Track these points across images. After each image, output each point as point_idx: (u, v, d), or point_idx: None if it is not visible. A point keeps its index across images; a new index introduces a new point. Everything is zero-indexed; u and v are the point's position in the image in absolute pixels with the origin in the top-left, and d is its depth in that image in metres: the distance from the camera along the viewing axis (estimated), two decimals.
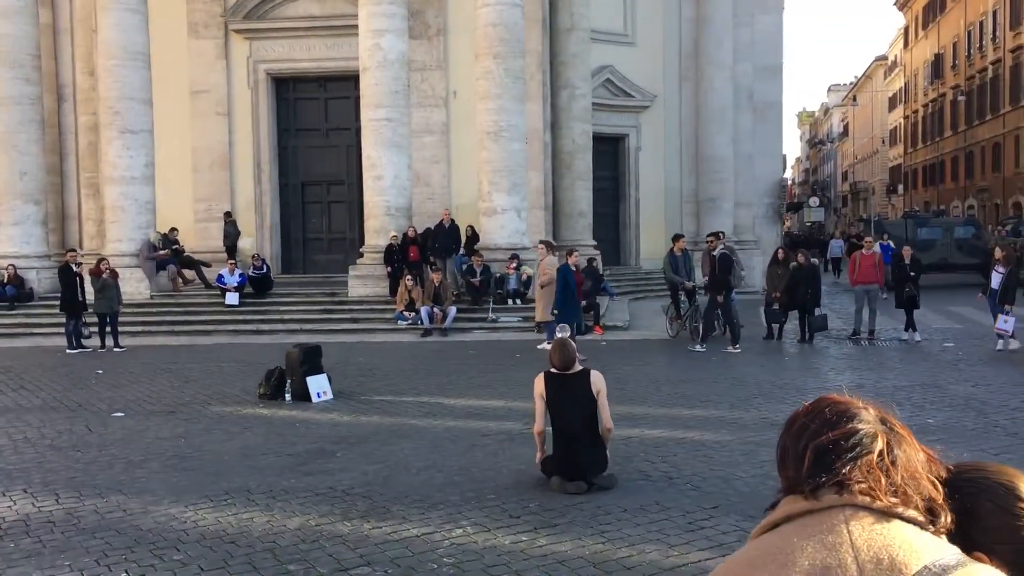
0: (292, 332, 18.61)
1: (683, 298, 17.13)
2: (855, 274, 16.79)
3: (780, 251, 17.32)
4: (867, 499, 1.37)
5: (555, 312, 14.81)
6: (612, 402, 10.58)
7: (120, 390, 12.28)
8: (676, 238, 17.55)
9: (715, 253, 15.84)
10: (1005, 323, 14.57)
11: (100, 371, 14.12)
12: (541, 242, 17.42)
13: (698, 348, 15.34)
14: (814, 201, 42.26)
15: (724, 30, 27.18)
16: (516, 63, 20.11)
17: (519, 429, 9.29)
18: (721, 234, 16.87)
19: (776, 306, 16.50)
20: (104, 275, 17.00)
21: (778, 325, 16.50)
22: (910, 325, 16.20)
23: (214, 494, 7.21)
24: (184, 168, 24.28)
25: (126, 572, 5.59)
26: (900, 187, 70.05)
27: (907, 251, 16.89)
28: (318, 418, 10.15)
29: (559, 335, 7.90)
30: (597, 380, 7.25)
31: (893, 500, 1.37)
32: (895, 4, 68.58)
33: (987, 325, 18.10)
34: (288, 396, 11.01)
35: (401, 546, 5.95)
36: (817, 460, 1.41)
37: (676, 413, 10.02)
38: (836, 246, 36.78)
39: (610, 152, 27.50)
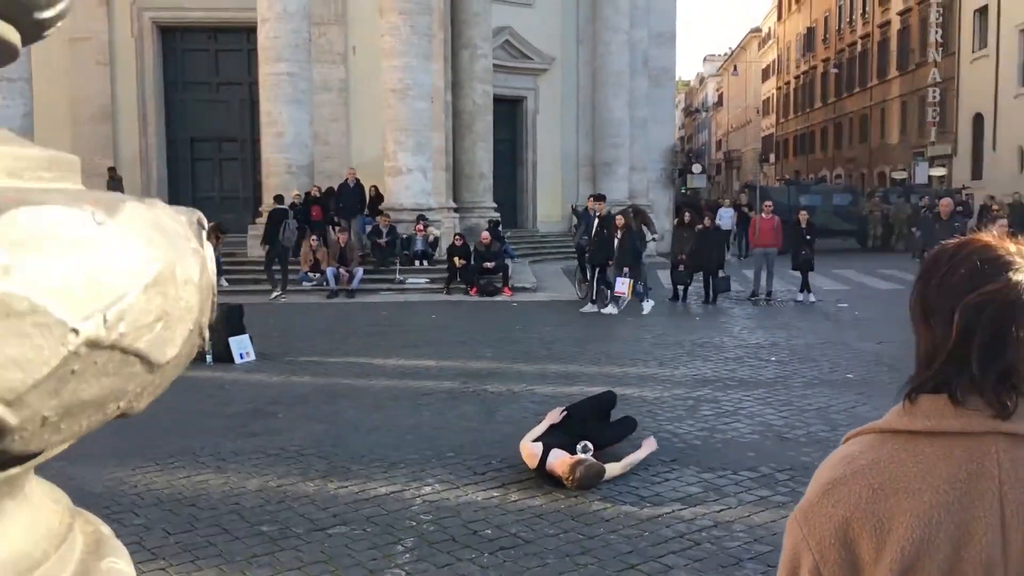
0: None
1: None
2: (755, 238, 17.37)
3: (687, 214, 17.69)
4: None
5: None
6: (544, 362, 10.79)
7: None
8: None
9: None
10: (622, 285, 15.31)
11: None
12: None
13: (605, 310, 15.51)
14: (696, 168, 43.33)
15: None
16: (423, 20, 19.75)
17: (459, 388, 9.28)
18: (602, 197, 17.01)
19: (682, 268, 16.92)
20: None
21: (683, 286, 16.94)
22: (805, 287, 16.91)
23: (158, 457, 6.92)
24: (62, 120, 22.90)
25: None
26: (772, 156, 72.66)
27: (803, 216, 17.54)
28: (246, 379, 9.85)
29: (580, 455, 6.13)
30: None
31: None
32: None
33: (871, 287, 19.20)
34: (209, 357, 10.61)
35: (373, 504, 5.86)
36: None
37: (609, 371, 10.18)
38: (726, 216, 29.82)
39: (508, 114, 27.45)
